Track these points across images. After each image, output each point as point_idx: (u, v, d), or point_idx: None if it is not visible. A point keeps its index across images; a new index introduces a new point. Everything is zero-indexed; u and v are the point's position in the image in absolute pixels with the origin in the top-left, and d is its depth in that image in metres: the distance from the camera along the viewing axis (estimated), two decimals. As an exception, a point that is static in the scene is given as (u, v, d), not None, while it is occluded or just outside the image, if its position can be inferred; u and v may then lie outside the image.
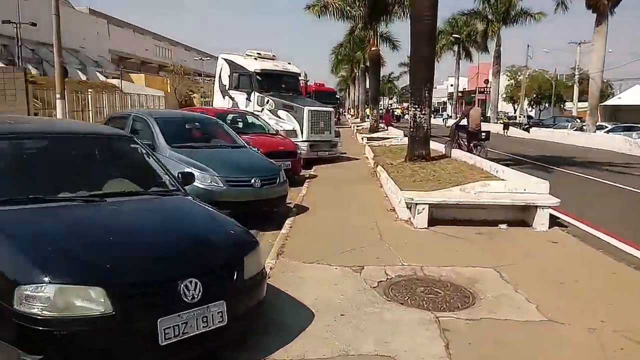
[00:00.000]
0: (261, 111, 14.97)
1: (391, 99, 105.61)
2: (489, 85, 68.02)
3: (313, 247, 5.85)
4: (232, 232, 3.55)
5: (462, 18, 48.14)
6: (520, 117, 44.42)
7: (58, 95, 20.08)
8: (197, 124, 8.89)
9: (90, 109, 30.45)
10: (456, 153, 12.72)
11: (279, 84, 15.84)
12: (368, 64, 35.88)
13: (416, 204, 6.82)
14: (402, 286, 4.59)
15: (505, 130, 35.65)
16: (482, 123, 13.89)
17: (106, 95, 34.99)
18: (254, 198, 7.06)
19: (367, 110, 49.59)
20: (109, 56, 61.31)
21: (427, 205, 6.80)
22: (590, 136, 26.76)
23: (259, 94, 15.01)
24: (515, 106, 75.04)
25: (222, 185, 6.77)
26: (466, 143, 13.73)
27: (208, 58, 65.95)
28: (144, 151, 4.47)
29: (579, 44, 51.67)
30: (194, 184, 6.65)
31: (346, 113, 74.71)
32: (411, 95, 12.28)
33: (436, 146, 13.55)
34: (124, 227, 3.30)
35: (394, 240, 6.20)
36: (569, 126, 35.92)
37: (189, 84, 47.25)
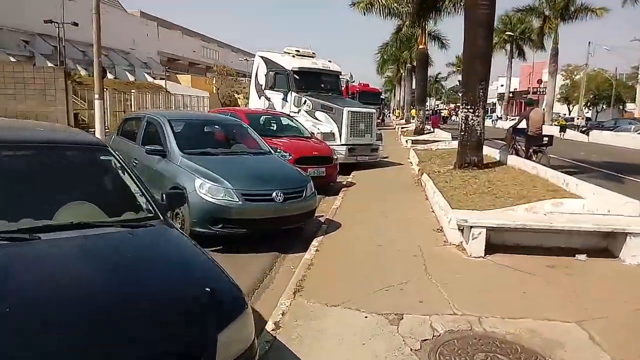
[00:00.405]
0: (298, 112, 13.96)
1: (439, 99, 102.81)
2: (542, 85, 64.93)
3: (341, 281, 4.73)
4: (205, 294, 2.39)
5: (516, 15, 45.70)
6: (577, 119, 41.54)
7: (96, 96, 19.85)
8: (216, 126, 7.94)
9: (132, 109, 30.49)
10: (513, 160, 11.26)
11: (317, 84, 14.79)
12: (415, 63, 34.41)
13: (471, 226, 5.57)
14: (454, 350, 3.40)
15: (562, 133, 33.24)
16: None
17: (149, 96, 35.13)
18: (275, 215, 6.01)
19: (413, 112, 48.02)
20: (157, 58, 62.33)
21: (485, 229, 5.53)
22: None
23: (295, 94, 14.00)
24: (570, 107, 71.27)
25: (237, 200, 5.74)
26: (525, 148, 12.21)
27: (253, 59, 65.86)
28: (118, 165, 3.48)
29: (644, 41, 48.14)
30: (206, 198, 5.75)
31: (391, 114, 73.04)
32: (463, 94, 10.93)
33: (489, 151, 12.11)
34: (39, 284, 2.21)
35: (443, 273, 4.98)
36: (632, 129, 33.10)
37: (232, 85, 47.10)
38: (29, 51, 43.06)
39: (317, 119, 13.65)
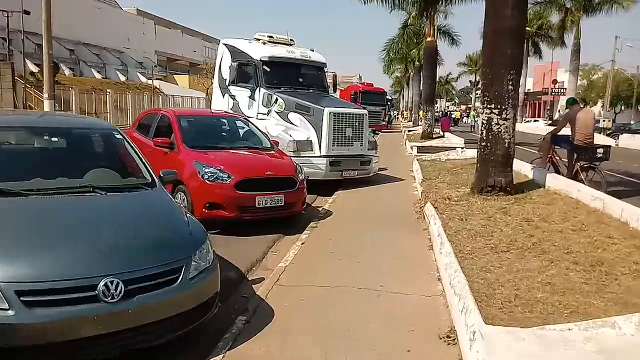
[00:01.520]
0: (267, 114, 10.83)
1: (449, 100, 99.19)
2: (557, 86, 61.43)
3: None
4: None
5: (534, 8, 42.22)
6: (603, 121, 37.93)
7: (46, 95, 16.89)
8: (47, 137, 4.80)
9: (109, 110, 27.61)
10: (554, 181, 8.04)
11: (294, 78, 11.65)
12: (423, 61, 31.27)
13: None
14: None
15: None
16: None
17: (134, 96, 32.31)
18: (102, 331, 2.84)
19: (421, 113, 44.61)
20: (154, 57, 59.54)
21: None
22: None
23: (265, 91, 10.87)
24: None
25: (5, 307, 2.62)
26: (568, 164, 8.95)
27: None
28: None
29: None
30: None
31: (399, 116, 69.71)
32: (484, 89, 7.73)
33: (515, 165, 8.85)
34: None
35: None
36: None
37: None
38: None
39: (291, 122, 10.50)
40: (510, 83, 7.27)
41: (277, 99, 10.72)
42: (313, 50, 12.28)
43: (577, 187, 7.08)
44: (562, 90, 61.66)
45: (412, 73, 50.23)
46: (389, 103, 45.31)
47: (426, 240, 6.22)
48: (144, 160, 4.42)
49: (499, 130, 7.42)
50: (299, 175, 7.39)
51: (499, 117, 7.39)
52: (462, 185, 8.91)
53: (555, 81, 62.27)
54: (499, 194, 7.51)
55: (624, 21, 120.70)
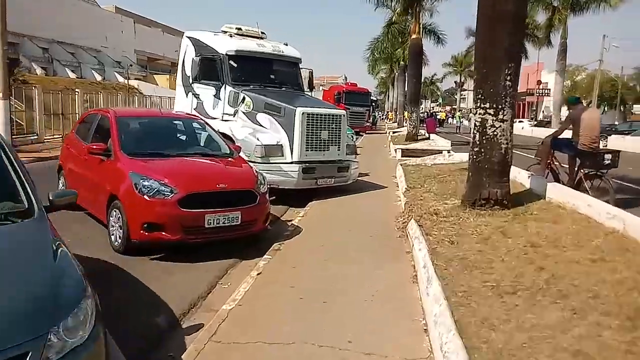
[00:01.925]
0: (234, 115, 9.66)
1: (434, 101, 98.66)
2: (541, 86, 61.13)
3: None
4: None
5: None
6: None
7: (0, 95, 15.51)
8: None
9: (77, 111, 26.09)
10: (556, 191, 7.00)
11: (265, 74, 10.48)
12: (408, 60, 30.34)
13: None
14: None
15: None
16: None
17: (107, 96, 30.80)
18: None
19: (406, 114, 43.61)
20: (134, 57, 57.79)
21: None
22: None
23: (231, 89, 9.69)
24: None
25: None
26: (570, 171, 7.92)
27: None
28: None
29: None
30: None
31: (385, 117, 68.80)
32: (477, 86, 6.63)
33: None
34: None
35: None
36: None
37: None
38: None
39: (259, 124, 9.34)
40: (508, 78, 6.20)
41: (244, 98, 9.55)
42: (287, 45, 11.12)
43: (587, 200, 6.02)
44: (546, 91, 61.48)
45: (397, 73, 49.31)
46: (373, 104, 44.34)
47: (410, 268, 5.10)
48: (23, 176, 3.21)
49: (495, 133, 6.35)
50: (261, 187, 6.22)
51: (494, 118, 6.32)
52: (450, 195, 7.84)
53: (539, 82, 61.99)
54: (494, 208, 6.45)
55: (606, 21, 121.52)
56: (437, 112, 64.26)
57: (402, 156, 16.68)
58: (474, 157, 6.62)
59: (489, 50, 6.31)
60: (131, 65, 46.41)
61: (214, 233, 5.66)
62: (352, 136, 20.19)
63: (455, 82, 75.44)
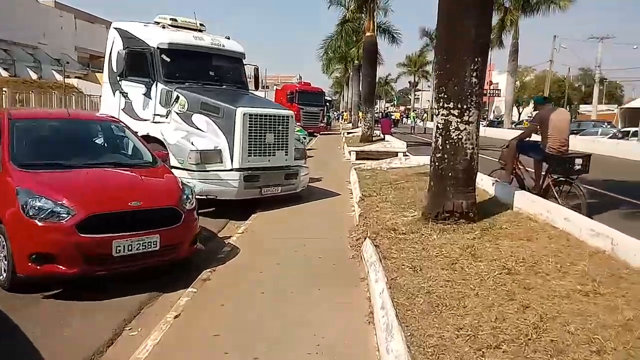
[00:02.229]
0: (167, 116, 8.52)
1: (389, 102, 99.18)
2: (492, 87, 62.37)
3: None
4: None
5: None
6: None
7: None
8: None
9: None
10: (523, 200, 6.30)
11: (204, 71, 9.39)
12: (362, 58, 29.78)
13: None
14: None
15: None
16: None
17: (40, 96, 28.67)
18: None
19: (360, 114, 43.08)
20: (75, 54, 54.72)
21: None
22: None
23: (163, 86, 8.55)
24: (520, 109, 69.20)
25: None
26: (536, 176, 7.26)
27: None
28: None
29: (601, 39, 45.80)
30: None
31: (340, 117, 68.29)
32: (439, 83, 5.78)
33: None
34: None
35: None
36: (599, 132, 29.61)
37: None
38: None
39: (195, 126, 8.24)
40: (475, 75, 5.42)
41: (178, 97, 8.42)
42: (229, 38, 10.05)
43: (563, 213, 5.31)
44: (497, 92, 62.78)
45: (351, 73, 48.76)
46: (327, 104, 43.61)
47: (365, 302, 4.20)
48: None
49: (460, 137, 5.56)
50: (187, 203, 5.17)
51: (459, 120, 5.52)
52: (409, 205, 7.03)
53: (490, 82, 63.15)
54: (459, 222, 5.66)
55: (554, 23, 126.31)
56: (392, 112, 64.33)
57: (356, 159, 15.89)
58: (436, 163, 5.82)
59: (453, 42, 5.50)
60: (67, 63, 43.64)
61: (125, 263, 4.58)
62: (303, 138, 19.29)
63: (410, 82, 76.00)
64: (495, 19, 37.63)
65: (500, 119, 57.51)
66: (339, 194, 9.70)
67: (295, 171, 8.71)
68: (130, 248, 4.53)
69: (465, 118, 5.51)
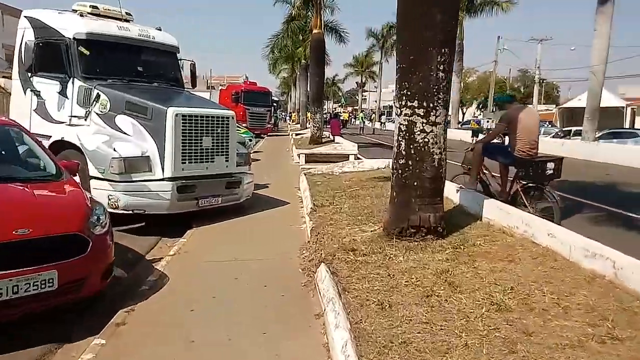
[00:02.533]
0: (86, 118, 7.31)
1: (337, 102, 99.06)
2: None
3: None
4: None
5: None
6: (488, 121, 38.50)
7: None
8: None
9: None
10: (493, 210, 5.64)
11: (131, 66, 8.24)
12: (310, 57, 29.03)
13: None
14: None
15: (474, 139, 29.42)
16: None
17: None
18: None
19: (308, 114, 42.28)
20: (2, 51, 50.93)
21: None
22: (595, 147, 20.81)
23: (82, 83, 7.35)
24: (464, 109, 70.74)
25: None
26: (502, 181, 6.63)
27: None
28: None
29: (540, 41, 47.21)
30: None
31: (288, 118, 67.31)
32: (401, 78, 4.97)
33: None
34: None
35: None
36: (542, 132, 30.15)
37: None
38: None
39: (119, 129, 7.09)
40: (442, 69, 4.66)
41: (98, 95, 7.25)
42: (160, 29, 8.91)
43: (547, 227, 4.63)
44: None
45: (298, 73, 47.92)
46: (275, 104, 42.58)
47: (322, 350, 3.32)
48: None
49: (426, 140, 4.79)
50: (96, 226, 4.11)
51: (424, 121, 4.75)
52: (367, 217, 6.22)
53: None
54: (426, 238, 4.89)
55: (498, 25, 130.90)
56: (340, 113, 64.01)
57: (306, 162, 15.04)
58: (399, 171, 5.02)
59: (415, 30, 4.71)
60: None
61: (9, 309, 3.49)
62: (249, 140, 18.19)
63: (357, 82, 76.01)
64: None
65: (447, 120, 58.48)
66: (288, 203, 8.79)
67: (237, 179, 7.72)
68: (15, 290, 3.44)
69: (432, 118, 4.75)
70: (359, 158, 15.54)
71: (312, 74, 20.51)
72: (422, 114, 4.74)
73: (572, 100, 47.44)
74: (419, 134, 4.79)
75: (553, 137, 27.79)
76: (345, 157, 15.47)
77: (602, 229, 7.16)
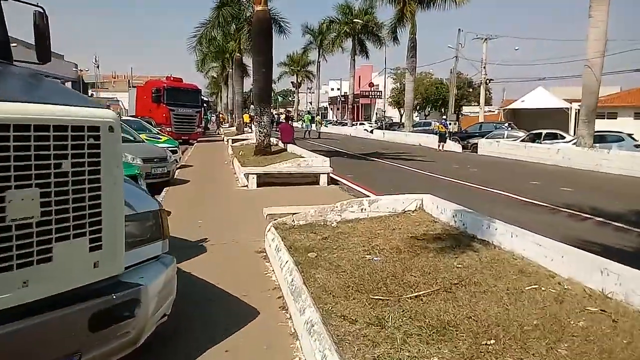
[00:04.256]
0: None
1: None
2: (373, 88, 60.50)
3: None
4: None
5: (358, 4, 38.27)
6: (450, 124, 35.21)
7: None
8: None
9: None
10: None
11: None
12: (252, 43, 24.19)
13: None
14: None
15: (442, 144, 25.72)
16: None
17: None
18: None
19: (245, 116, 37.05)
20: None
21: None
22: (597, 154, 17.58)
23: None
24: (401, 111, 68.48)
25: None
26: None
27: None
28: None
29: (485, 39, 44.99)
30: None
31: (216, 120, 61.36)
32: None
33: None
34: None
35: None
36: (505, 135, 26.77)
37: None
38: None
39: None
40: None
41: None
42: None
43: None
44: (378, 93, 61.13)
45: (231, 70, 42.52)
46: (205, 105, 36.89)
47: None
48: None
49: None
50: None
51: None
52: None
53: (372, 84, 61.43)
54: None
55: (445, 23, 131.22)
56: (279, 114, 58.79)
57: (258, 185, 10.18)
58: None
59: None
60: None
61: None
62: (173, 152, 12.87)
63: (292, 82, 71.48)
64: (392, 11, 34.32)
65: (390, 121, 55.36)
66: (256, 314, 3.96)
67: (130, 297, 2.79)
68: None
69: None
70: (335, 181, 10.90)
71: (256, 62, 15.59)
72: None
73: (516, 101, 45.80)
74: None
75: (522, 141, 24.02)
76: (314, 177, 10.77)
77: None
